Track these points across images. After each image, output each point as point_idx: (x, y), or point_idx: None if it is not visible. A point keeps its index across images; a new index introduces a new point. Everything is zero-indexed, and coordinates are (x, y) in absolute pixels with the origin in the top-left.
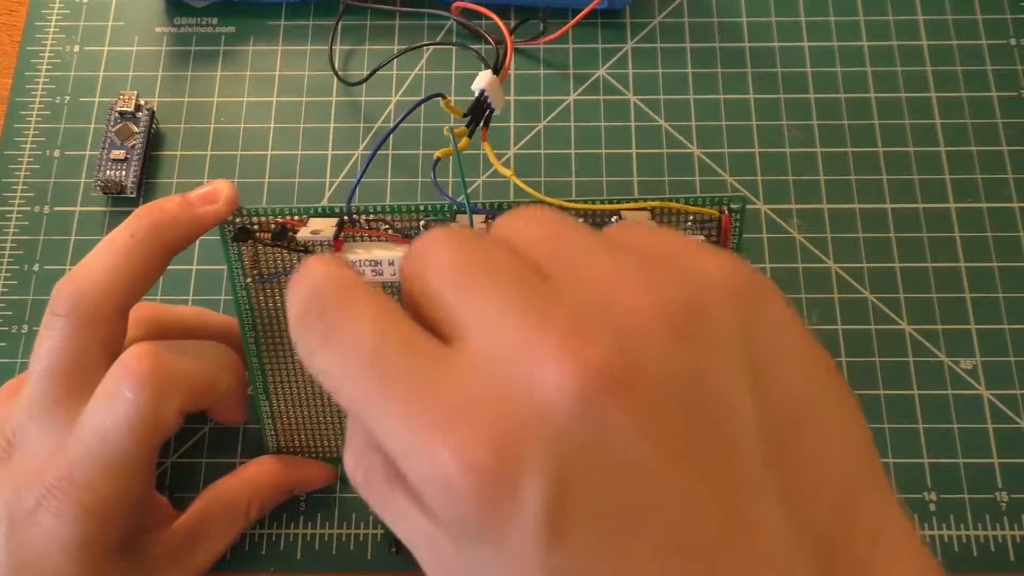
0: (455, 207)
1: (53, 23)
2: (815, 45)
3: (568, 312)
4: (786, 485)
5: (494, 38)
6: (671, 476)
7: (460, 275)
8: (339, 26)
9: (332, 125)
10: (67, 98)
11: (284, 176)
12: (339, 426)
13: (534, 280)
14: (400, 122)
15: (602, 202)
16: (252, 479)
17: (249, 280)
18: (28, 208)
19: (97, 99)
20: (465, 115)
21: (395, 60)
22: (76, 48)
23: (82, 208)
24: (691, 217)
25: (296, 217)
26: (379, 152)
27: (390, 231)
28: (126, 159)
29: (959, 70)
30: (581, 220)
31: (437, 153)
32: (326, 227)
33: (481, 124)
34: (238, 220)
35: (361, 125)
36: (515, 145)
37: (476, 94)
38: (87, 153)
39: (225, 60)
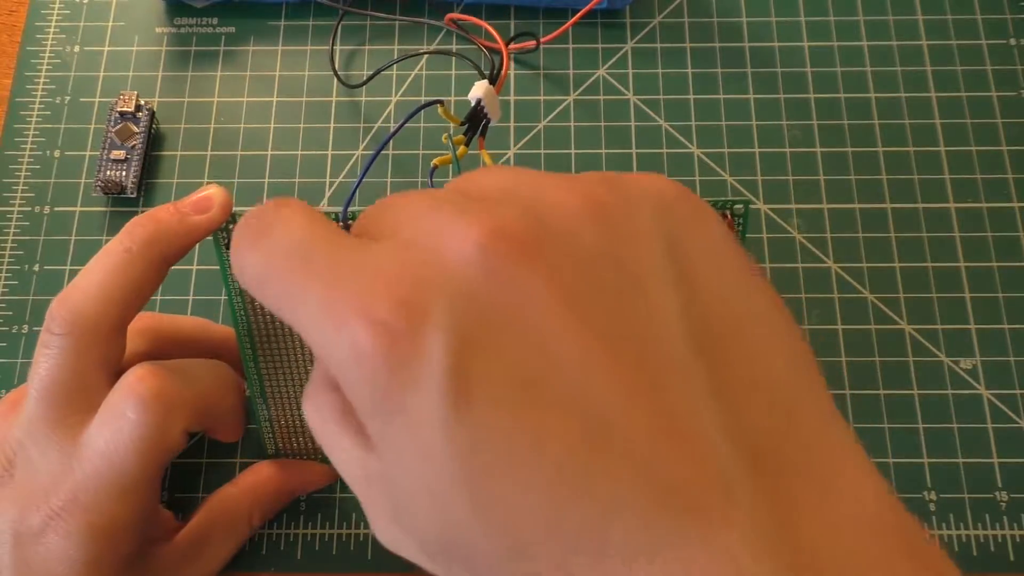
0: None
1: (53, 23)
2: (815, 45)
3: (491, 206)
4: (717, 386)
5: (490, 47)
6: (589, 351)
7: (399, 196)
8: (339, 27)
9: (332, 125)
10: (67, 98)
11: (284, 176)
12: None
13: (470, 199)
14: (398, 130)
15: None
16: (252, 487)
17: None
18: (28, 208)
19: (97, 99)
20: (463, 123)
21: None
22: (76, 48)
23: (82, 208)
24: None
25: None
26: (380, 154)
27: None
28: (126, 159)
29: (959, 70)
30: None
31: (435, 161)
32: None
33: (478, 133)
34: (232, 226)
35: (361, 125)
36: (515, 145)
37: (473, 104)
38: (87, 153)
39: (225, 60)
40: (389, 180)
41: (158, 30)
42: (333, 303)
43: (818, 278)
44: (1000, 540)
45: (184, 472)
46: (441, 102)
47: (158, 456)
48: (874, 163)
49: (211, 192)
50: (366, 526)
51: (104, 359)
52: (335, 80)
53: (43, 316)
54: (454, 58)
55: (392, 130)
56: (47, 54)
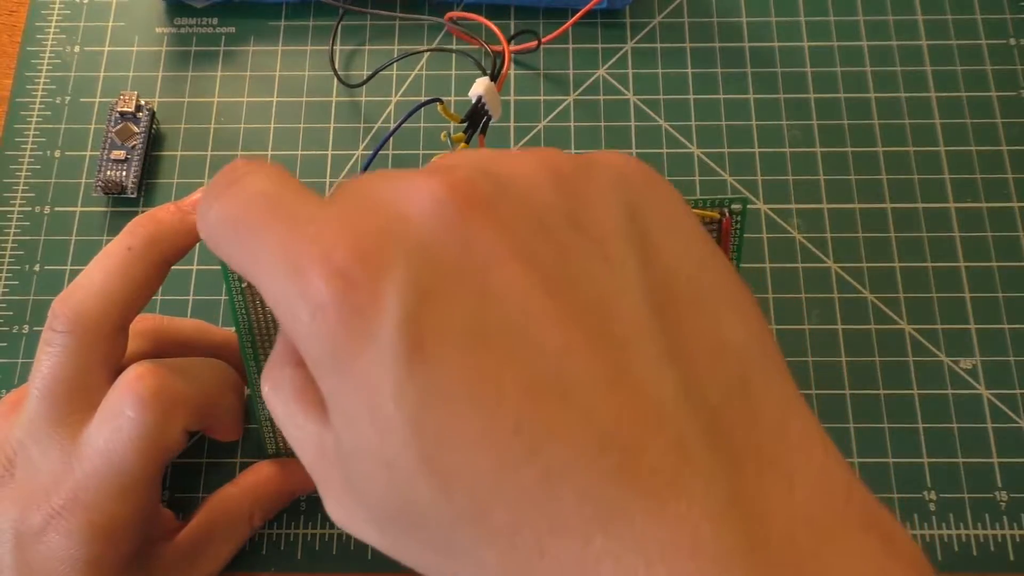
0: None
1: (53, 23)
2: (815, 45)
3: (453, 169)
4: (675, 348)
5: (491, 46)
6: (543, 307)
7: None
8: (339, 27)
9: (332, 125)
10: (67, 98)
11: None
12: None
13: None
14: (398, 127)
15: None
16: (253, 487)
17: (245, 285)
18: (29, 208)
19: (98, 99)
20: (463, 121)
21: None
22: (76, 48)
23: (83, 208)
24: None
25: None
26: (379, 153)
27: None
28: (127, 159)
29: (959, 70)
30: None
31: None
32: None
33: (479, 131)
34: None
35: (361, 125)
36: (515, 145)
37: (473, 101)
38: (88, 153)
39: (225, 60)
40: None
41: (158, 30)
42: (292, 250)
43: (818, 278)
44: (1000, 540)
45: (184, 472)
46: (440, 100)
47: (158, 455)
48: (874, 163)
49: None
50: None
51: (106, 358)
52: (335, 80)
53: (44, 316)
54: (454, 57)
55: (391, 129)
56: (47, 54)
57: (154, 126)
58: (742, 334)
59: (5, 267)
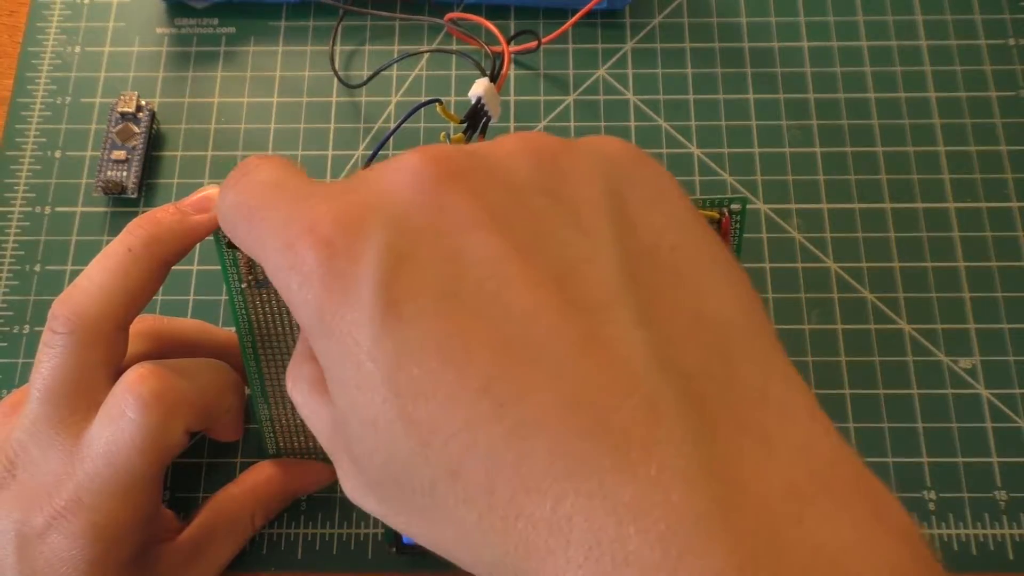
0: None
1: (54, 24)
2: (814, 45)
3: (438, 147)
4: (649, 315)
5: (491, 47)
6: (514, 270)
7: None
8: (339, 27)
9: (332, 126)
10: (68, 99)
11: None
12: None
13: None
14: (398, 127)
15: None
16: (254, 487)
17: (244, 285)
18: (29, 209)
19: (98, 100)
20: (462, 121)
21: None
22: (77, 49)
23: (83, 208)
24: None
25: None
26: (379, 153)
27: None
28: (127, 160)
29: (958, 70)
30: None
31: None
32: None
33: (478, 132)
34: None
35: (361, 126)
36: None
37: (473, 102)
38: (88, 154)
39: (226, 61)
40: None
41: (159, 31)
42: (287, 226)
43: (818, 278)
44: (999, 539)
45: (185, 472)
46: (440, 101)
47: (159, 456)
48: (873, 163)
49: (211, 192)
50: (366, 526)
51: (107, 358)
52: (335, 80)
53: (44, 316)
54: (454, 58)
55: (391, 129)
56: (48, 55)
57: (154, 126)
58: (726, 303)
59: (6, 267)
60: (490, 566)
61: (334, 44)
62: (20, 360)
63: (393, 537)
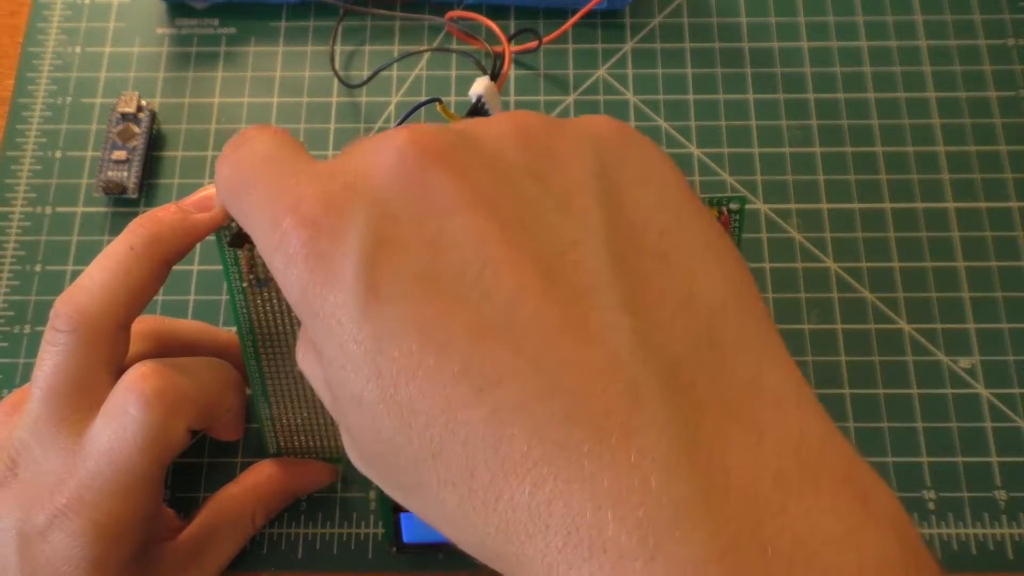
0: None
1: (55, 24)
2: (814, 45)
3: (423, 126)
4: (635, 300)
5: (491, 46)
6: (498, 251)
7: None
8: (340, 27)
9: (332, 126)
10: (69, 99)
11: None
12: (339, 427)
13: None
14: (397, 126)
15: None
16: (255, 487)
17: (245, 284)
18: (30, 209)
19: (99, 100)
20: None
21: (395, 62)
22: (78, 49)
23: (84, 209)
24: None
25: None
26: None
27: None
28: (128, 160)
29: (958, 70)
30: None
31: None
32: None
33: None
34: (234, 224)
35: (361, 126)
36: None
37: (474, 100)
38: (89, 154)
39: (226, 61)
40: None
41: (159, 31)
42: (273, 203)
43: (817, 278)
44: (999, 539)
45: (186, 472)
46: (440, 100)
47: (161, 454)
48: (873, 163)
49: (213, 191)
50: (367, 525)
51: (109, 357)
52: (335, 81)
53: (45, 316)
54: (454, 58)
55: (391, 127)
56: (49, 55)
57: (155, 127)
58: (717, 287)
59: (7, 267)
60: (474, 546)
61: (334, 44)
62: (21, 360)
63: (393, 537)
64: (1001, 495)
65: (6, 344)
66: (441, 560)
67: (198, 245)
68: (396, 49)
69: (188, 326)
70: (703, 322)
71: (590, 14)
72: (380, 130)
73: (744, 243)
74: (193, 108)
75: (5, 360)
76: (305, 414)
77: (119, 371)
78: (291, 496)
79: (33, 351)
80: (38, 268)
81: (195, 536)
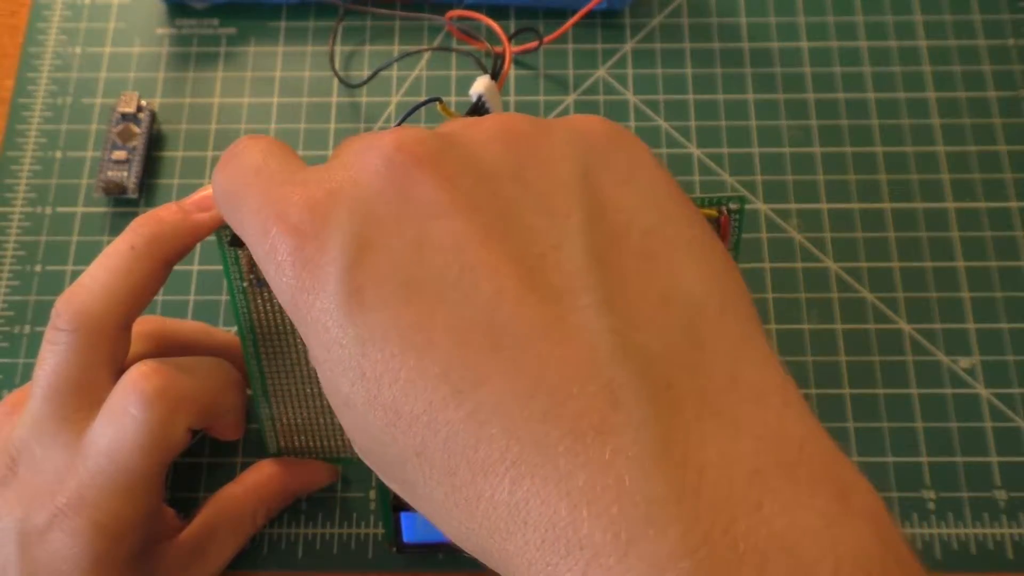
0: None
1: (55, 25)
2: (814, 45)
3: (407, 130)
4: (614, 300)
5: (492, 47)
6: (477, 255)
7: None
8: (339, 27)
9: (332, 126)
10: (69, 99)
11: None
12: (339, 426)
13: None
14: (397, 126)
15: None
16: (256, 486)
17: (246, 284)
18: (30, 209)
19: (99, 100)
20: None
21: (395, 62)
22: (78, 50)
23: (84, 209)
24: None
25: None
26: None
27: None
28: (127, 160)
29: (957, 70)
30: None
31: None
32: None
33: None
34: None
35: (361, 126)
36: None
37: (474, 99)
38: (89, 154)
39: (226, 61)
40: None
41: (159, 31)
42: (262, 213)
43: (817, 278)
44: (999, 539)
45: (186, 472)
46: (440, 100)
47: (162, 453)
48: (873, 163)
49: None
50: (367, 526)
51: (110, 357)
52: (335, 81)
53: (45, 317)
54: (454, 58)
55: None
56: (49, 55)
57: (155, 127)
58: (700, 285)
59: (7, 268)
60: (462, 541)
61: (334, 44)
62: (21, 360)
63: (393, 537)
64: (1001, 495)
65: (6, 344)
66: (441, 560)
67: (198, 245)
68: (396, 49)
69: (188, 327)
70: (684, 320)
71: (590, 14)
72: (380, 130)
73: (744, 243)
74: (193, 108)
75: (5, 360)
76: (305, 414)
77: (120, 371)
78: (292, 496)
79: (33, 351)
80: (38, 268)
81: (195, 535)
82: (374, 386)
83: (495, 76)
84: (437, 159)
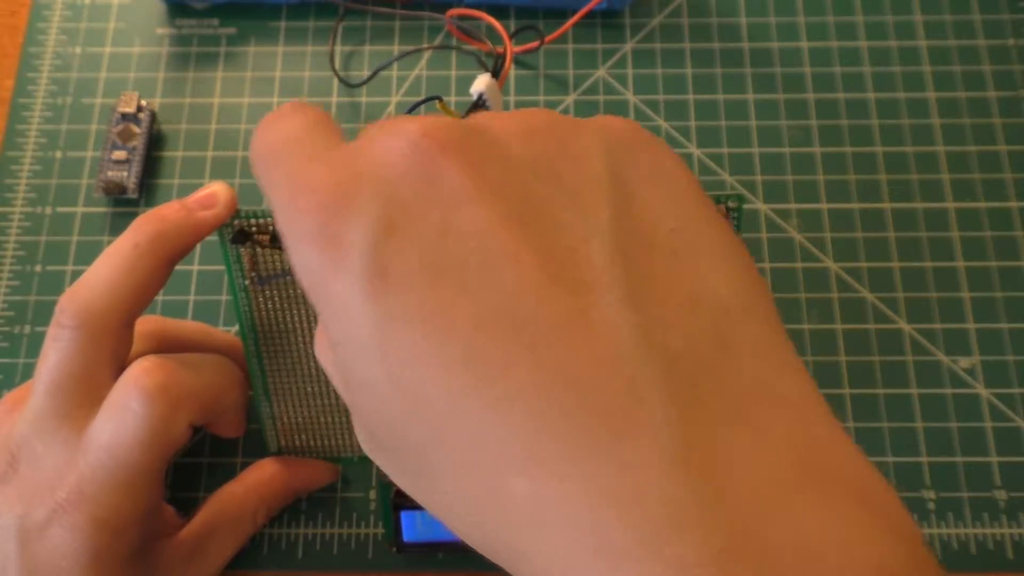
0: None
1: (55, 25)
2: (814, 45)
3: (435, 117)
4: (639, 297)
5: (493, 44)
6: (502, 245)
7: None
8: (339, 27)
9: None
10: (69, 99)
11: None
12: (340, 426)
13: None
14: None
15: None
16: (257, 485)
17: (248, 282)
18: (30, 209)
19: (99, 100)
20: (463, 118)
21: (395, 61)
22: (78, 50)
23: (84, 209)
24: None
25: None
26: None
27: None
28: (128, 160)
29: (957, 70)
30: None
31: None
32: None
33: None
34: (236, 222)
35: (361, 125)
36: None
37: (475, 98)
38: (89, 154)
39: (226, 61)
40: None
41: (159, 31)
42: (293, 186)
43: (817, 278)
44: (999, 539)
45: (186, 471)
46: (440, 98)
47: (162, 449)
48: (873, 163)
49: (215, 189)
50: (367, 525)
51: (112, 354)
52: (335, 81)
53: (45, 317)
54: (455, 57)
55: None
56: (49, 55)
57: (155, 127)
58: (726, 286)
59: (7, 268)
60: (475, 538)
61: (334, 44)
62: (21, 360)
63: (393, 537)
64: (1001, 495)
65: (6, 344)
66: (441, 560)
67: (198, 245)
68: (396, 49)
69: (189, 327)
70: (709, 321)
71: (590, 14)
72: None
73: (744, 243)
74: (193, 108)
75: (5, 360)
76: (306, 413)
77: (121, 368)
78: (292, 495)
79: (33, 352)
80: (38, 268)
81: (196, 534)
82: (396, 368)
83: (496, 74)
84: (464, 146)
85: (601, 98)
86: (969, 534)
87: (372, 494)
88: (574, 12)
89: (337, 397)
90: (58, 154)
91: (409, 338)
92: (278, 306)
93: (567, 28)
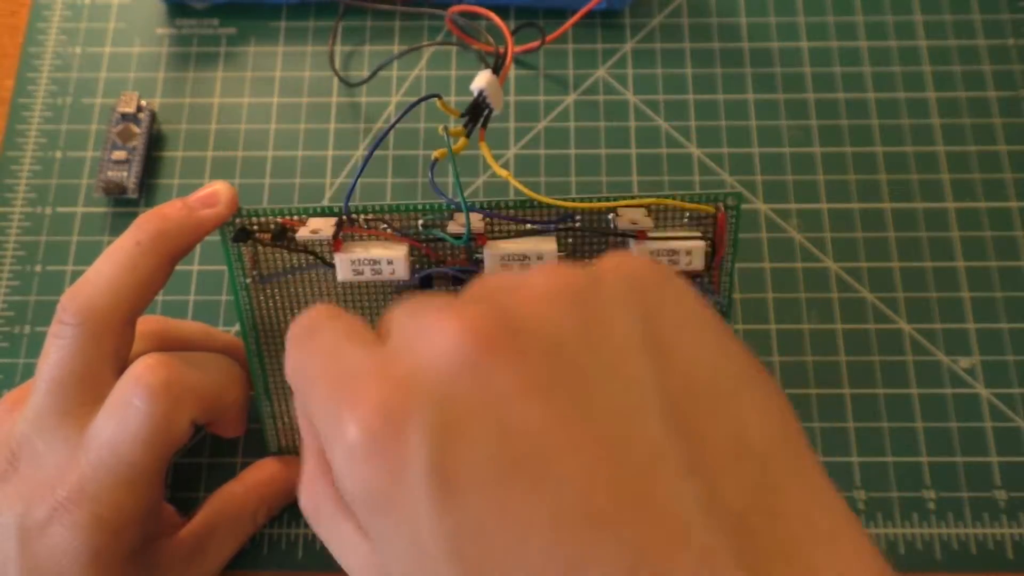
0: (452, 206)
1: (55, 25)
2: (814, 45)
3: (465, 305)
4: (695, 460)
5: (494, 42)
6: (563, 438)
7: (408, 300)
8: (339, 27)
9: (332, 126)
10: (69, 99)
11: (284, 177)
12: None
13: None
14: (395, 123)
15: (598, 200)
16: (257, 485)
17: (249, 280)
18: (30, 209)
19: (99, 100)
20: (463, 115)
21: (395, 61)
22: (78, 50)
23: (84, 209)
24: (687, 214)
25: (295, 217)
26: (379, 153)
27: (388, 230)
28: (127, 160)
29: (957, 70)
30: None
31: (435, 154)
32: (325, 227)
33: (480, 124)
34: (238, 221)
35: (361, 125)
36: (515, 145)
37: (475, 94)
38: (89, 154)
39: (226, 61)
40: (390, 180)
41: (159, 31)
42: (334, 400)
43: (817, 278)
44: (999, 539)
45: (186, 471)
46: (439, 96)
47: (164, 446)
48: (873, 163)
49: (217, 188)
50: None
51: (114, 352)
52: (335, 81)
53: (45, 317)
54: (455, 56)
55: (390, 123)
56: (49, 55)
57: (155, 127)
58: (767, 427)
59: (7, 268)
60: None
61: (334, 44)
62: (21, 360)
63: None
64: (1001, 495)
65: (6, 344)
66: None
67: (198, 245)
68: (396, 49)
69: (190, 327)
70: (757, 469)
71: (590, 14)
72: (380, 130)
73: (744, 243)
74: (193, 108)
75: (5, 360)
76: None
77: (123, 366)
78: (292, 494)
79: (33, 351)
80: (38, 268)
81: (196, 533)
82: (475, 572)
83: (496, 71)
84: (507, 340)
85: (601, 98)
86: (969, 534)
87: None
88: (574, 12)
89: None
90: (58, 154)
91: (487, 544)
92: (279, 305)
93: (567, 28)
